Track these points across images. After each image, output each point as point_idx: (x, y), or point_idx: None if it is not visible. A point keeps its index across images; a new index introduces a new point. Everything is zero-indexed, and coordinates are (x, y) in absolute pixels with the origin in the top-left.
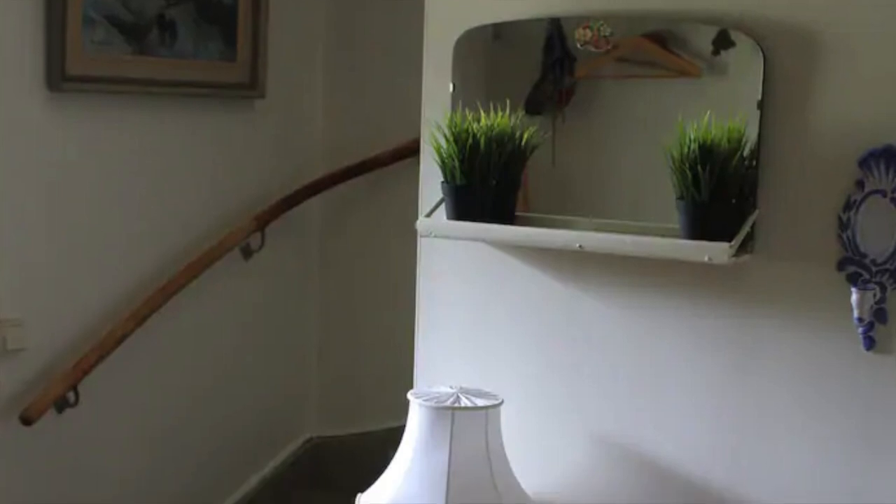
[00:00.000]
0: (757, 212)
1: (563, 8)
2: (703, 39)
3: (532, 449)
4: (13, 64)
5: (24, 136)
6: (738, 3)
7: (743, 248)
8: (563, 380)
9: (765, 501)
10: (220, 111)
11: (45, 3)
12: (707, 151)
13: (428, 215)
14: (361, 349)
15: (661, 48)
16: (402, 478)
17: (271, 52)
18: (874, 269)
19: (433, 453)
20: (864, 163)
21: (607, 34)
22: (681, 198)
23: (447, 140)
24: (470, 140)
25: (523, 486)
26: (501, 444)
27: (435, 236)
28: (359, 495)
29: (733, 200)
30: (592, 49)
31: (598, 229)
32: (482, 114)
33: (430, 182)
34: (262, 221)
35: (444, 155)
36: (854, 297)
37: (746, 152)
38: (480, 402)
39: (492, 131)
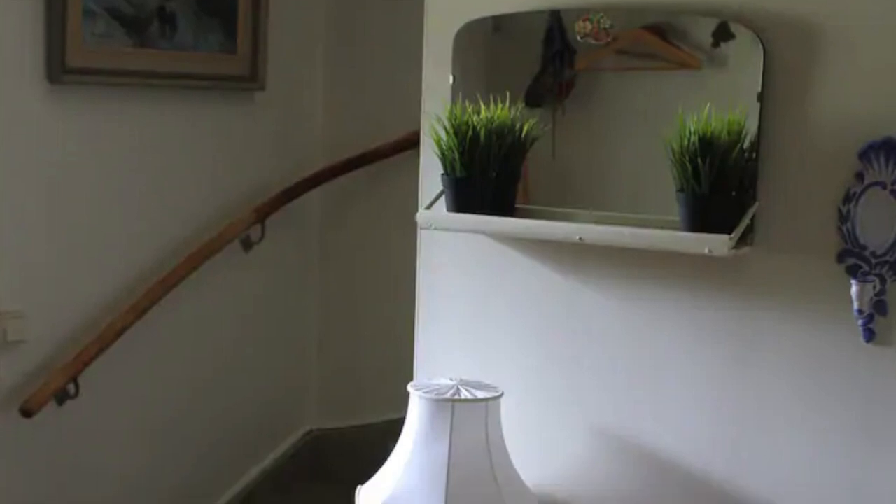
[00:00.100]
0: (757, 204)
1: (563, 0)
2: (703, 31)
3: (532, 441)
4: (13, 56)
5: (25, 128)
6: None
7: (743, 241)
8: (563, 372)
9: (765, 493)
10: (221, 103)
11: None
12: (707, 144)
13: (428, 207)
14: (362, 341)
15: (661, 40)
16: (402, 470)
17: (271, 43)
18: (874, 261)
19: (433, 445)
20: (864, 155)
21: (607, 26)
22: (681, 190)
23: (447, 132)
24: (470, 132)
25: (523, 477)
26: (501, 437)
27: (435, 228)
28: (359, 487)
29: (733, 193)
30: (592, 41)
31: (598, 221)
32: (482, 106)
33: (430, 174)
34: (263, 213)
35: (444, 147)
36: (854, 288)
37: (746, 144)
38: (480, 395)
39: (492, 123)
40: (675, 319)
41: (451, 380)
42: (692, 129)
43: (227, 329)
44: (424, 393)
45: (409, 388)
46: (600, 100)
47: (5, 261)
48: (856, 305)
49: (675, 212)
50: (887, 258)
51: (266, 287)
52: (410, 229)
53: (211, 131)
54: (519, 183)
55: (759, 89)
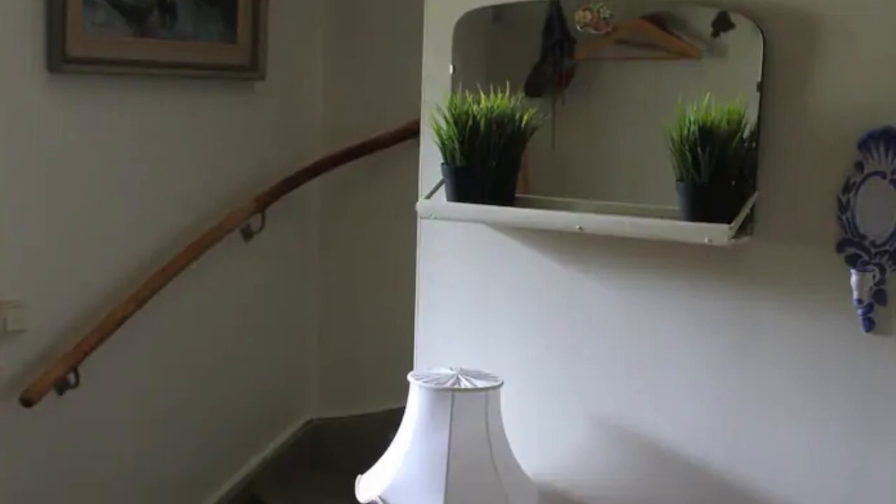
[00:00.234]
0: (756, 194)
1: None
2: (703, 21)
3: (532, 430)
4: (14, 45)
5: (25, 117)
6: None
7: (742, 230)
8: (563, 361)
9: (764, 483)
10: (221, 93)
11: None
12: (707, 133)
13: (428, 197)
14: (362, 331)
15: (661, 30)
16: (402, 459)
17: (271, 33)
18: (873, 250)
19: (433, 435)
20: (864, 144)
21: (607, 16)
22: (680, 179)
23: (447, 122)
24: (470, 122)
25: (523, 467)
26: (501, 426)
27: (435, 218)
28: (359, 477)
29: (733, 182)
30: (592, 31)
31: (598, 211)
32: (482, 96)
33: (431, 164)
34: (263, 203)
35: (444, 137)
36: (853, 278)
37: (746, 134)
38: (480, 384)
39: (492, 113)
40: (674, 309)
41: (451, 369)
42: (692, 119)
43: (227, 318)
44: (424, 382)
45: (410, 377)
46: (600, 89)
47: (6, 250)
48: (855, 295)
49: (675, 201)
50: (887, 248)
51: (266, 276)
52: (410, 219)
53: (211, 121)
54: (519, 172)
55: (759, 79)
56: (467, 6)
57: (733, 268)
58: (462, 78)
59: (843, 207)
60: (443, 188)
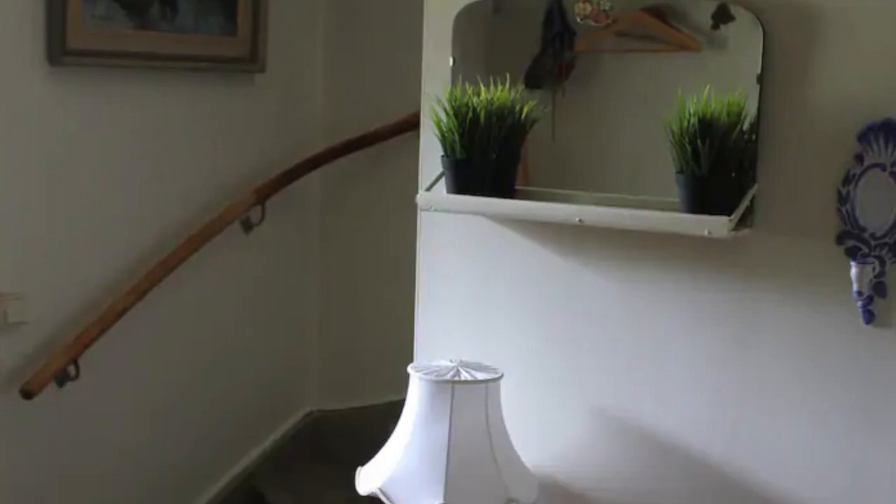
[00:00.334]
0: (756, 186)
1: None
2: (703, 13)
3: (532, 422)
4: (14, 38)
5: (25, 110)
6: None
7: (742, 222)
8: (563, 353)
9: (764, 474)
10: (221, 85)
11: None
12: (707, 125)
13: (428, 189)
14: (362, 323)
15: (661, 22)
16: (402, 451)
17: (272, 25)
18: (873, 242)
19: (433, 427)
20: (864, 136)
21: (607, 8)
22: (680, 172)
23: (447, 114)
24: (470, 114)
25: (523, 459)
26: (501, 418)
27: (435, 210)
28: (359, 468)
29: (733, 174)
30: (592, 23)
31: (598, 203)
32: (482, 88)
33: (431, 156)
34: (263, 195)
35: (444, 129)
36: (853, 270)
37: (746, 126)
38: (480, 376)
39: (492, 105)
40: (674, 301)
41: (451, 361)
42: (692, 111)
43: (227, 310)
44: (424, 374)
45: (410, 369)
46: (600, 82)
47: (6, 242)
48: (855, 287)
49: (675, 193)
50: (887, 240)
51: (266, 268)
52: (410, 211)
53: (211, 113)
54: (519, 165)
55: (759, 71)
56: None
57: (733, 260)
58: (462, 70)
59: (842, 199)
60: (443, 180)
